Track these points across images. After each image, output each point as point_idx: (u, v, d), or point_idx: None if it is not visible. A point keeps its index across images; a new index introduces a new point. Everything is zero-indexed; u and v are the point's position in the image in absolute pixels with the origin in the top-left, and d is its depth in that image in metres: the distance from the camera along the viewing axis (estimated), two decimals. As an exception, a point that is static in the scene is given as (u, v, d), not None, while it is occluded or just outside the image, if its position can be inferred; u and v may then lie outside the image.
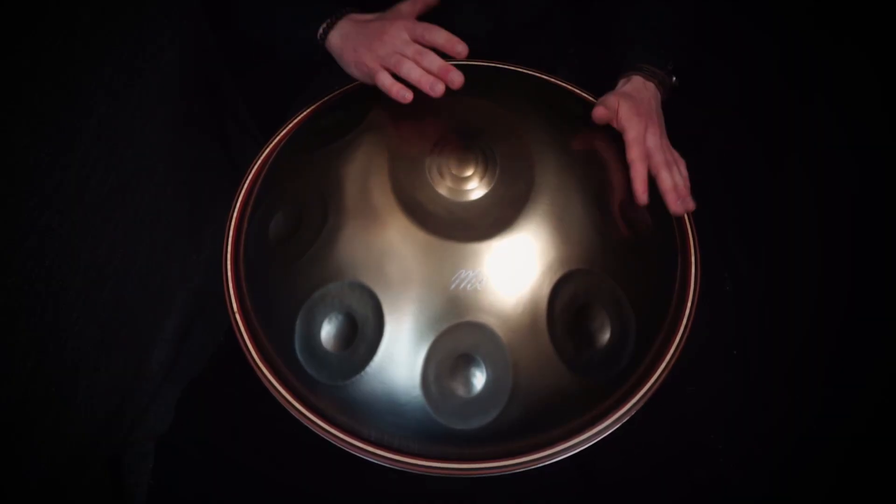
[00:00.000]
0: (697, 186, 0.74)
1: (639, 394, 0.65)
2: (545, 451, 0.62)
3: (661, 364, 0.66)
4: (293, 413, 0.64)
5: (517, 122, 0.70)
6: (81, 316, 0.75)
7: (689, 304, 0.69)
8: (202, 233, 1.00)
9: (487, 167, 0.66)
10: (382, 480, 0.73)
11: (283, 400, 0.64)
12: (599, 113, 0.70)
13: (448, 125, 0.69)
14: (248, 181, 0.76)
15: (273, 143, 0.79)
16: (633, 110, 0.70)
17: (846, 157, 0.95)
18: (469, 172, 0.66)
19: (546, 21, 0.92)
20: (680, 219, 0.74)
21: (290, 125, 0.79)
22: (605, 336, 0.63)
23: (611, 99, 0.72)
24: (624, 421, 0.64)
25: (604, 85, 0.83)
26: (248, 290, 0.69)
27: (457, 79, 0.66)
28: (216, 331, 0.92)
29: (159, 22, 0.85)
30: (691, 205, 0.69)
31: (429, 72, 0.67)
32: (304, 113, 0.80)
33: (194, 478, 0.81)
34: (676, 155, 0.73)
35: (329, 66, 1.00)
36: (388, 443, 0.62)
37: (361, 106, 0.73)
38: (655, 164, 0.69)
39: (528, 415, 0.61)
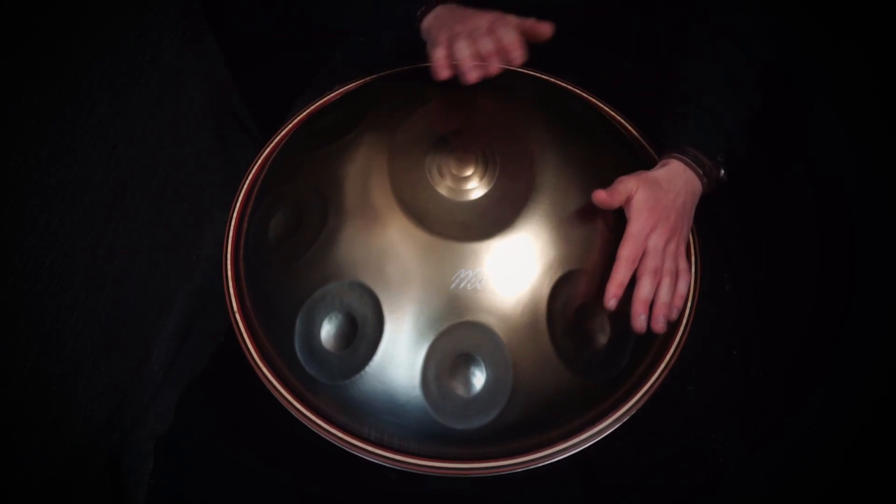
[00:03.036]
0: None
1: (639, 394, 0.65)
2: (545, 451, 0.62)
3: (661, 364, 0.66)
4: (293, 413, 0.64)
5: (517, 121, 0.70)
6: (81, 316, 0.75)
7: (689, 304, 0.69)
8: (202, 233, 1.00)
9: (487, 167, 0.66)
10: (382, 480, 0.73)
11: (282, 400, 0.64)
12: (599, 198, 0.63)
13: (448, 125, 0.69)
14: (248, 181, 0.76)
15: (273, 143, 0.79)
16: (648, 203, 0.63)
17: (846, 157, 0.94)
18: (469, 172, 0.66)
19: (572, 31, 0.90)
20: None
21: (290, 125, 0.79)
22: (605, 336, 0.63)
23: (629, 182, 0.64)
24: (624, 421, 0.64)
25: (606, 85, 0.83)
26: (248, 290, 0.69)
27: (493, 67, 0.64)
28: (216, 331, 0.92)
29: (159, 22, 0.85)
30: (659, 327, 0.62)
31: (476, 55, 0.64)
32: (304, 113, 0.80)
33: (194, 478, 0.81)
34: (682, 266, 0.65)
35: (330, 66, 1.00)
36: (388, 443, 0.62)
37: (361, 106, 0.73)
38: (642, 268, 0.62)
39: (528, 415, 0.61)
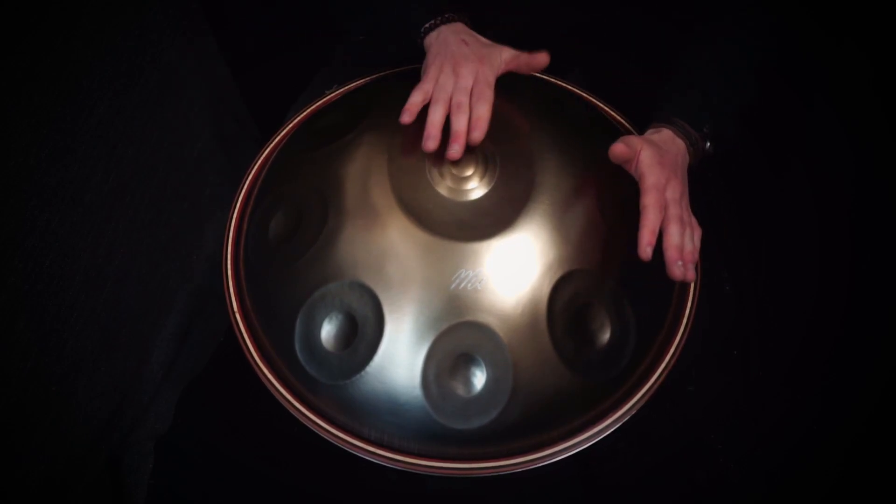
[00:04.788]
0: (698, 186, 0.74)
1: (639, 394, 0.65)
2: (545, 451, 0.62)
3: (661, 364, 0.66)
4: (293, 413, 0.64)
5: (517, 121, 0.70)
6: (81, 316, 0.75)
7: (689, 304, 0.69)
8: (202, 233, 1.00)
9: (487, 167, 0.66)
10: (382, 480, 0.73)
11: (282, 400, 0.64)
12: (618, 149, 0.64)
13: (448, 125, 0.69)
14: (248, 181, 0.76)
15: (273, 143, 0.79)
16: (656, 158, 0.64)
17: (846, 157, 0.94)
18: (469, 172, 0.66)
19: (573, 32, 0.91)
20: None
21: (290, 125, 0.79)
22: (605, 336, 0.63)
23: (633, 139, 0.66)
24: (624, 421, 0.64)
25: (606, 85, 0.83)
26: (248, 290, 0.69)
27: (454, 152, 0.65)
28: (216, 331, 0.92)
29: (159, 22, 0.85)
30: (691, 274, 0.63)
31: (448, 125, 0.66)
32: (304, 113, 0.80)
33: (194, 478, 0.81)
34: (694, 221, 0.66)
35: (330, 66, 1.00)
36: (388, 443, 0.62)
37: (361, 106, 0.73)
38: (667, 217, 0.62)
39: (528, 415, 0.61)
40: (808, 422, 0.89)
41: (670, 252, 0.61)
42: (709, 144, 0.72)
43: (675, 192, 0.64)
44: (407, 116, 0.67)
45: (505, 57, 0.71)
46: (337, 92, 0.81)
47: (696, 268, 0.64)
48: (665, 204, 0.63)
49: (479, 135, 0.66)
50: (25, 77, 0.64)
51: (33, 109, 0.65)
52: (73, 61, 0.70)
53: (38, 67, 0.65)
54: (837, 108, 0.96)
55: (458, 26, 0.74)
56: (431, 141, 0.65)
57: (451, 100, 0.67)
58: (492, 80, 0.70)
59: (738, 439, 0.79)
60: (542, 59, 0.72)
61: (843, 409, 0.87)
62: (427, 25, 0.74)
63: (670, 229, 0.62)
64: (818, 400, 0.91)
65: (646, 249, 0.60)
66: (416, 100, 0.68)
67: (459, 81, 0.68)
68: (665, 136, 0.69)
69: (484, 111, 0.67)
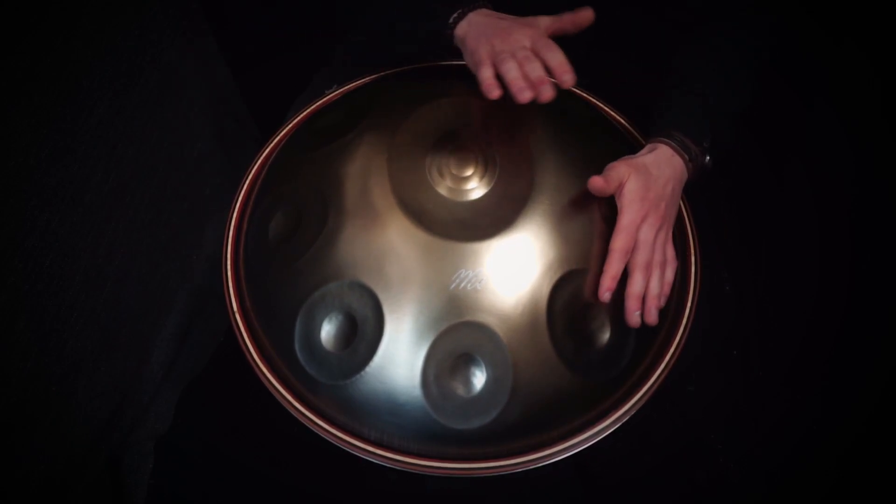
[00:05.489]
0: (698, 185, 0.74)
1: (639, 394, 0.65)
2: (545, 451, 0.62)
3: (661, 364, 0.66)
4: (293, 413, 0.64)
5: (517, 121, 0.70)
6: (81, 316, 0.75)
7: (689, 304, 0.69)
8: (202, 233, 1.00)
9: (487, 167, 0.66)
10: (382, 480, 0.73)
11: (283, 400, 0.64)
12: (596, 185, 0.62)
13: (448, 125, 0.69)
14: (248, 181, 0.76)
15: (273, 143, 0.79)
16: (639, 192, 0.63)
17: (846, 157, 0.95)
18: (469, 172, 0.66)
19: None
20: (680, 219, 0.73)
21: (290, 125, 0.79)
22: (605, 336, 0.63)
23: (621, 169, 0.64)
24: (624, 421, 0.64)
25: (606, 85, 0.83)
26: (248, 290, 0.69)
27: (547, 93, 0.61)
28: (216, 331, 0.92)
29: (159, 22, 0.85)
30: (652, 319, 0.63)
31: (526, 77, 0.62)
32: (304, 113, 0.80)
33: (194, 478, 0.81)
34: (670, 255, 0.66)
35: (330, 66, 1.00)
36: (388, 443, 0.62)
37: (361, 106, 0.73)
38: (634, 262, 0.63)
39: (528, 415, 0.61)
40: (808, 422, 0.89)
41: (629, 302, 0.62)
42: (708, 159, 0.71)
43: (650, 231, 0.63)
44: (496, 91, 0.63)
45: (545, 23, 0.68)
46: (337, 92, 0.81)
47: (660, 312, 0.64)
48: (635, 247, 0.63)
49: (570, 77, 0.62)
50: (25, 77, 0.64)
51: (33, 109, 0.65)
52: (73, 61, 0.70)
53: (38, 67, 0.66)
54: (837, 108, 0.96)
55: (485, 11, 0.72)
56: (524, 93, 0.61)
57: (516, 57, 0.63)
58: (546, 37, 0.65)
59: (738, 439, 0.79)
60: (586, 14, 0.67)
61: (843, 409, 0.88)
62: (455, 15, 0.71)
63: (634, 276, 0.62)
64: (818, 400, 0.91)
65: (604, 294, 0.61)
66: (487, 73, 0.64)
67: (515, 43, 0.65)
68: (660, 157, 0.67)
69: (560, 57, 0.62)
